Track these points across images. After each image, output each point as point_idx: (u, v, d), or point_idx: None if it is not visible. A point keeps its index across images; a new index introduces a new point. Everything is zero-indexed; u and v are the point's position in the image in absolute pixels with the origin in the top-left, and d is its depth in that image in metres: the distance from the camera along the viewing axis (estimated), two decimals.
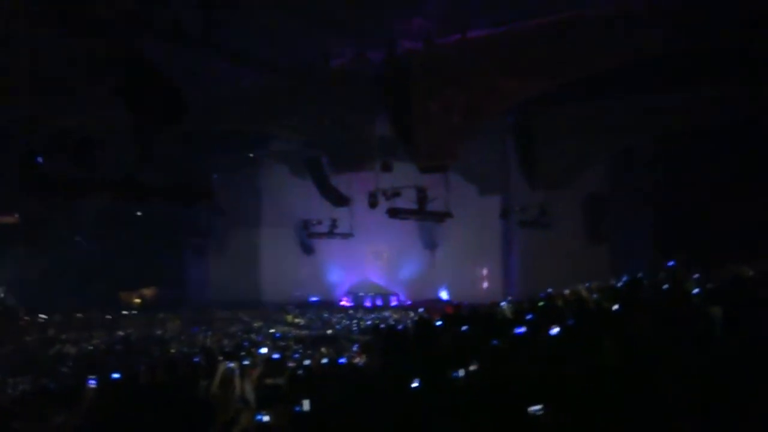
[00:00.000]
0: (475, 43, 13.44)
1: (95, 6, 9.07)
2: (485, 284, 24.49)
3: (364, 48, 14.22)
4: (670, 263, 14.52)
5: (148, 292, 28.40)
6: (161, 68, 9.32)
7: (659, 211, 19.21)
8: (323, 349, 14.34)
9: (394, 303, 26.15)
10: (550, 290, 14.98)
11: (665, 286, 11.90)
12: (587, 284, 15.56)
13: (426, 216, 18.22)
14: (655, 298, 10.63)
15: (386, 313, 22.84)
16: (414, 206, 17.67)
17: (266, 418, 5.68)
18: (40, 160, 12.06)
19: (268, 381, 7.68)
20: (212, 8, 11.18)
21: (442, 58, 14.25)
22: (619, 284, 14.35)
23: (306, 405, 5.68)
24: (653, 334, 6.78)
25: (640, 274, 13.88)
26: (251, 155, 25.92)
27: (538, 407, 4.36)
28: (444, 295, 25.30)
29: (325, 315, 23.39)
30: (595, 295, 13.75)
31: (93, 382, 7.59)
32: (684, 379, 5.12)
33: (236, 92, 15.79)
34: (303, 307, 26.73)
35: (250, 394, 7.52)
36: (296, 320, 21.80)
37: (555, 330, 5.99)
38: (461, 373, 5.81)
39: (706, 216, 16.82)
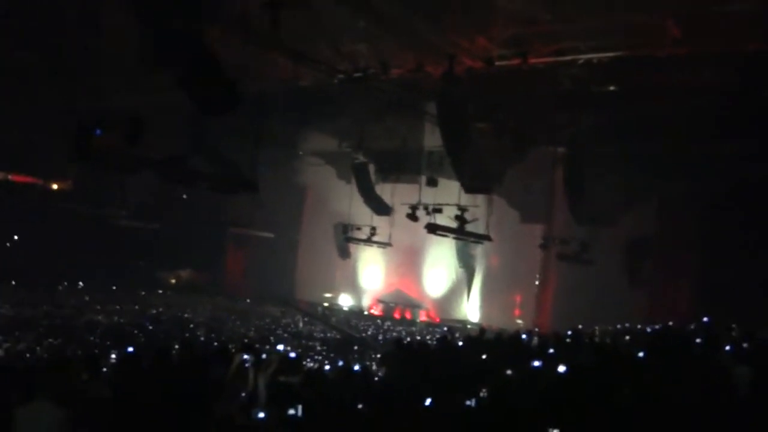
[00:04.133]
0: (534, 69, 13.33)
1: None
2: (516, 312, 24.20)
3: (424, 60, 14.23)
4: (707, 318, 14.17)
5: (184, 274, 28.95)
6: (222, 59, 9.50)
7: (703, 261, 18.74)
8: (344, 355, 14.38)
9: (422, 317, 26.04)
10: (580, 327, 14.73)
11: (698, 340, 11.60)
12: (618, 326, 15.30)
13: (465, 235, 18.11)
14: (684, 350, 10.37)
15: (413, 327, 22.79)
16: (454, 224, 17.59)
17: (261, 415, 5.72)
18: (98, 132, 12.40)
19: (282, 378, 7.73)
20: (280, 6, 11.36)
21: (500, 80, 14.18)
22: (651, 331, 14.05)
23: (299, 410, 5.69)
24: (674, 386, 6.62)
25: (671, 323, 13.58)
26: (300, 153, 26.21)
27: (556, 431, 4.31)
28: (474, 317, 25.08)
29: (353, 321, 23.47)
30: (626, 338, 13.50)
31: (114, 354, 7.82)
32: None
33: (293, 90, 15.99)
34: (332, 308, 26.88)
35: (261, 388, 7.59)
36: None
37: (562, 368, 5.88)
38: (473, 401, 5.77)
39: (752, 274, 16.33)
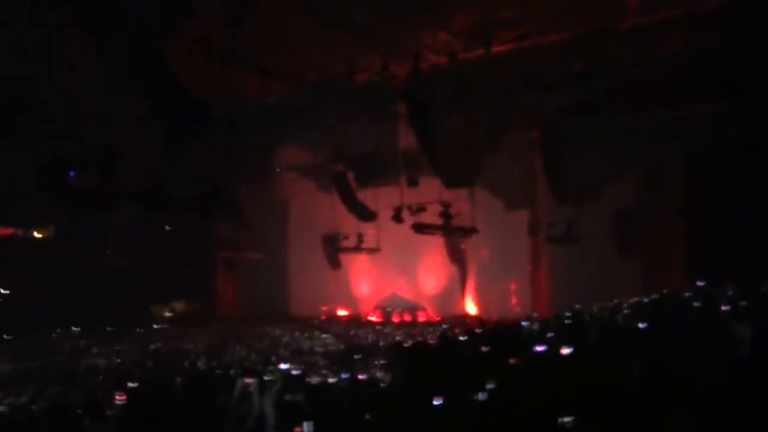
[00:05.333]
0: (498, 57, 13.39)
1: (124, 21, 9.22)
2: (513, 299, 24.22)
3: (389, 61, 14.24)
4: (701, 282, 14.23)
5: (178, 305, 28.70)
6: (188, 82, 9.45)
7: (692, 225, 18.85)
8: (347, 365, 14.28)
9: (422, 318, 25.99)
10: (578, 306, 14.76)
11: (696, 304, 11.65)
12: (615, 300, 15.33)
13: (452, 231, 18.13)
14: (683, 315, 10.42)
15: (413, 329, 22.71)
16: (439, 221, 17.60)
17: None
18: (72, 174, 12.27)
19: (288, 397, 7.66)
20: (239, 24, 11.34)
21: (466, 72, 14.22)
22: (648, 301, 14.10)
23: (309, 427, 5.63)
24: (678, 353, 6.63)
25: (667, 291, 13.63)
26: (278, 169, 26.13)
27: (569, 419, 4.28)
28: (472, 310, 25.07)
29: (352, 331, 23.35)
30: (624, 311, 13.54)
31: (120, 396, 7.71)
32: (706, 399, 4.98)
33: (263, 107, 15.95)
34: (330, 321, 26.74)
35: (269, 410, 7.51)
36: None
37: (567, 350, 5.87)
38: (481, 395, 5.73)
39: (741, 231, 16.45)
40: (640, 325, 9.11)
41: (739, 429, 4.55)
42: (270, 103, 16.10)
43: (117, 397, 7.56)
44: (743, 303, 10.71)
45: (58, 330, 22.85)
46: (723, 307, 9.99)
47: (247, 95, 15.29)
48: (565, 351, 6.16)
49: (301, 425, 5.79)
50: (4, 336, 21.28)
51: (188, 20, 10.68)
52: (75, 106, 15.12)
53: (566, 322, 11.58)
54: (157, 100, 9.47)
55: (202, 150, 15.72)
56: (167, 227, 24.58)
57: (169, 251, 25.26)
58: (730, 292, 12.79)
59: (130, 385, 9.49)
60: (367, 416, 6.38)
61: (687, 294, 13.94)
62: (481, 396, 5.62)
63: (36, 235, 24.68)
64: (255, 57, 12.99)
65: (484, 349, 8.46)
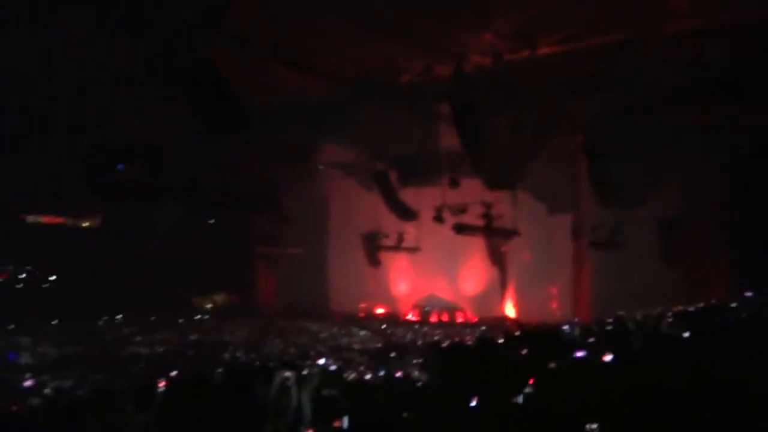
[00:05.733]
0: (544, 60, 13.23)
1: (166, 14, 9.37)
2: (554, 304, 23.98)
3: (432, 62, 14.20)
4: (749, 293, 13.88)
5: (219, 297, 29.18)
6: (229, 77, 9.56)
7: (738, 234, 18.38)
8: (384, 363, 14.33)
9: (460, 319, 25.90)
10: (621, 313, 14.53)
11: (743, 315, 11.37)
12: (660, 308, 15.03)
13: (493, 233, 18.01)
14: (730, 327, 10.17)
15: (451, 330, 22.65)
16: (481, 223, 17.50)
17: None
18: (121, 166, 12.56)
19: (325, 392, 7.72)
20: (282, 21, 11.42)
21: (511, 74, 14.10)
22: (693, 310, 13.81)
23: (346, 422, 5.66)
24: (724, 365, 6.47)
25: (713, 301, 13.32)
26: (320, 166, 26.35)
27: (594, 426, 4.24)
28: (511, 313, 24.89)
29: (390, 329, 23.40)
30: (668, 320, 13.27)
31: (161, 383, 7.88)
32: (751, 414, 4.86)
33: (304, 103, 16.06)
34: (368, 318, 26.84)
35: (306, 404, 7.59)
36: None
37: (609, 357, 5.78)
38: (520, 398, 5.70)
39: None
40: (685, 335, 8.93)
41: None
42: (312, 100, 16.19)
43: (159, 384, 7.72)
44: None
45: (104, 317, 23.46)
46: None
47: (289, 91, 15.39)
48: (607, 357, 6.07)
49: (339, 420, 5.83)
50: (51, 322, 21.95)
51: (228, 13, 10.85)
52: (119, 99, 15.47)
53: (608, 328, 11.42)
54: (200, 95, 9.62)
55: (244, 145, 15.97)
56: (210, 221, 25.04)
57: (211, 244, 25.75)
58: None
59: (171, 374, 9.73)
60: (403, 414, 6.38)
61: (734, 304, 13.61)
62: (519, 399, 5.58)
63: (84, 224, 25.44)
64: (296, 53, 13.06)
65: (522, 352, 8.39)
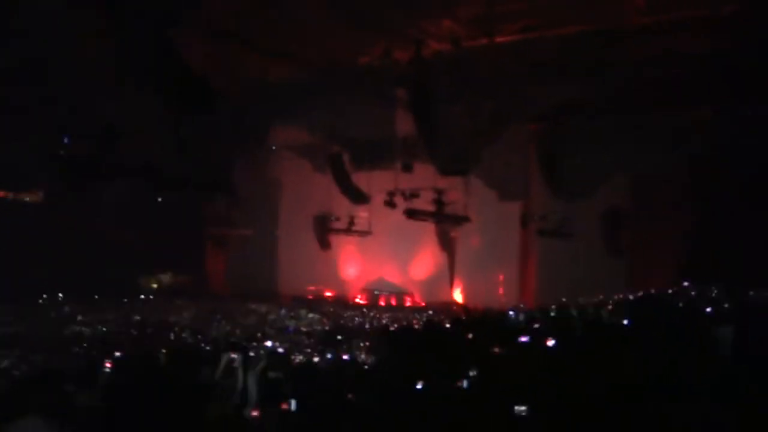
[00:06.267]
0: (502, 48, 13.37)
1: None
2: (501, 290, 24.36)
3: (392, 47, 14.21)
4: (686, 282, 14.38)
5: (165, 277, 28.71)
6: (191, 60, 9.43)
7: (680, 227, 19.00)
8: (331, 346, 14.35)
9: (408, 303, 26.12)
10: (564, 300, 14.89)
11: (680, 304, 11.79)
12: (601, 297, 15.46)
13: (444, 219, 18.18)
14: (666, 315, 10.53)
15: (399, 313, 22.83)
16: (432, 208, 17.64)
17: (254, 413, 5.71)
18: (67, 141, 12.23)
19: (271, 374, 7.72)
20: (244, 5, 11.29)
21: (469, 61, 14.21)
22: (633, 298, 14.25)
23: (293, 405, 5.69)
24: (659, 351, 6.72)
25: (652, 290, 13.77)
26: (273, 147, 26.09)
27: (523, 408, 4.37)
28: (459, 298, 25.21)
29: (339, 312, 23.45)
30: (609, 308, 13.68)
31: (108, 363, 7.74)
32: (681, 398, 5.07)
33: (263, 86, 15.90)
34: (317, 301, 26.82)
35: (252, 386, 7.57)
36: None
37: (551, 342, 5.95)
38: (464, 382, 5.80)
39: (729, 237, 16.59)
40: (624, 322, 9.23)
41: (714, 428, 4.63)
42: (270, 82, 16.03)
43: (106, 365, 7.59)
44: (726, 305, 10.87)
45: (44, 296, 22.83)
46: (707, 309, 10.14)
47: (248, 74, 15.23)
48: (550, 343, 6.24)
49: (286, 402, 5.84)
50: None
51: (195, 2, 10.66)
52: (77, 79, 15.02)
53: (552, 314, 11.71)
54: (160, 78, 9.46)
55: (200, 126, 15.68)
56: (158, 200, 24.53)
57: (159, 224, 25.23)
58: (714, 294, 12.95)
59: (115, 354, 9.57)
60: (349, 396, 6.44)
61: (670, 293, 14.11)
62: (464, 383, 5.70)
63: (25, 199, 24.57)
64: (257, 36, 12.93)
65: (468, 336, 8.54)
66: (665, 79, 14.23)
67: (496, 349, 6.68)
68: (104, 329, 17.69)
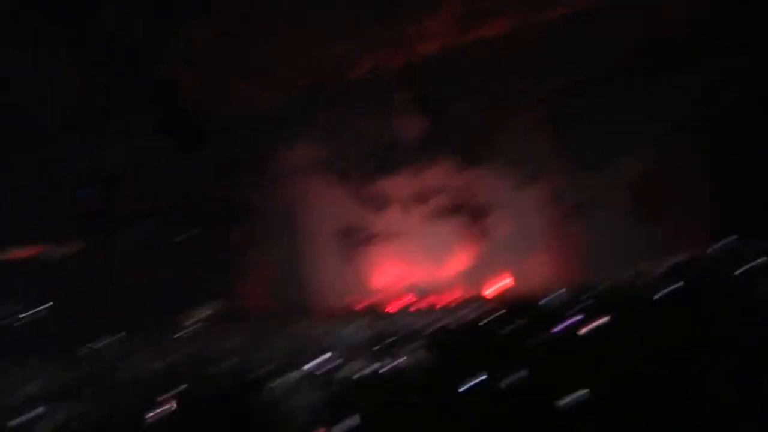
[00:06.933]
0: (490, 42, 13.30)
1: (108, 37, 9.21)
2: (536, 276, 24.12)
3: (380, 57, 14.20)
4: (718, 244, 14.14)
5: (205, 310, 28.92)
6: (182, 96, 9.47)
7: (710, 188, 18.72)
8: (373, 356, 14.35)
9: (446, 302, 25.97)
10: (598, 278, 14.71)
11: (720, 263, 11.58)
12: (635, 269, 15.26)
13: (466, 213, 18.12)
14: (708, 276, 10.39)
15: (436, 314, 22.70)
16: (454, 204, 17.61)
17: None
18: (83, 194, 12.38)
19: (316, 395, 7.74)
20: (228, 33, 11.33)
21: (462, 58, 14.15)
22: (673, 264, 14.04)
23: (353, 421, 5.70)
24: (702, 316, 6.60)
25: (687, 257, 13.54)
26: (285, 172, 26.21)
27: (568, 400, 4.31)
28: (494, 291, 25.02)
29: (377, 319, 23.43)
30: (647, 278, 13.49)
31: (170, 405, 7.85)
32: (733, 361, 4.96)
33: (257, 112, 15.99)
34: (356, 312, 26.82)
35: (300, 408, 7.60)
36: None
37: (585, 329, 5.87)
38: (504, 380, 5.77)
39: (760, 192, 16.33)
40: (665, 290, 9.08)
41: None
42: (266, 110, 16.12)
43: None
44: (765, 258, 10.66)
45: (88, 345, 23.16)
46: (747, 265, 9.95)
47: (243, 104, 15.32)
48: (587, 328, 6.17)
49: (346, 420, 5.87)
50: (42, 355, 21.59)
51: (178, 32, 10.72)
52: (73, 129, 15.19)
53: (589, 294, 11.58)
54: (154, 117, 9.52)
55: (212, 163, 15.83)
56: (176, 239, 24.74)
57: (192, 260, 25.43)
58: (746, 252, 12.69)
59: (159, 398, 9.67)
60: (395, 407, 6.43)
61: (711, 254, 13.87)
62: (504, 381, 5.66)
63: (57, 253, 24.96)
64: (246, 65, 12.99)
65: (503, 332, 8.49)
66: (666, 43, 14.04)
67: (538, 341, 6.61)
68: (155, 367, 17.86)
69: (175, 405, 8.00)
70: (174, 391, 10.29)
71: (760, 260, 10.43)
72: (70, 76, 11.82)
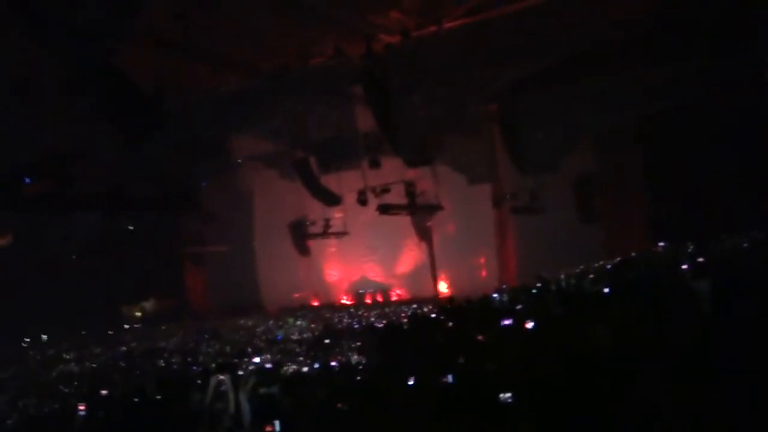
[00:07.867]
0: (451, 33, 13.39)
1: (69, 18, 8.88)
2: (483, 273, 24.44)
3: (341, 44, 14.15)
4: (662, 243, 14.55)
5: (148, 304, 28.37)
6: (139, 76, 9.23)
7: (651, 188, 19.19)
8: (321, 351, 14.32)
9: (394, 298, 26.11)
10: (544, 275, 14.96)
11: (657, 264, 11.91)
12: (581, 267, 15.59)
13: (417, 210, 18.22)
14: (645, 277, 10.65)
15: (386, 309, 22.81)
16: (404, 201, 17.67)
17: None
18: (27, 180, 11.98)
19: (262, 391, 7.65)
20: (189, 15, 11.11)
21: (421, 50, 14.21)
22: (611, 265, 14.37)
23: (277, 426, 5.65)
24: (641, 315, 6.78)
25: (632, 255, 13.90)
26: (239, 160, 25.87)
27: (508, 395, 4.38)
28: (442, 287, 25.26)
29: (326, 315, 23.38)
30: (590, 277, 13.79)
31: (82, 408, 7.59)
32: (669, 361, 5.11)
33: (217, 97, 15.73)
34: (303, 308, 26.71)
35: (244, 405, 7.50)
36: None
37: (531, 324, 5.98)
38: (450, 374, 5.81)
39: (700, 194, 16.79)
40: (605, 290, 9.30)
41: (708, 385, 4.67)
42: (225, 94, 15.86)
43: (80, 408, 7.47)
44: (701, 260, 11.01)
45: (27, 339, 22.45)
46: (683, 266, 10.24)
47: (200, 87, 15.03)
48: (530, 324, 6.27)
49: (272, 423, 5.81)
50: None
51: (135, 11, 10.41)
52: (27, 111, 14.66)
53: (533, 292, 11.77)
54: (110, 100, 9.25)
55: (160, 146, 15.43)
56: (130, 227, 24.22)
57: (134, 250, 24.89)
58: (690, 250, 13.10)
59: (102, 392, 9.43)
60: (339, 405, 6.41)
61: (647, 255, 14.26)
62: (450, 375, 5.70)
63: None
64: (206, 47, 12.76)
65: (451, 325, 8.57)
66: (616, 41, 14.35)
67: (480, 337, 6.69)
68: (93, 365, 17.40)
69: (108, 401, 7.77)
70: (109, 388, 10.08)
71: (699, 260, 10.76)
72: (22, 56, 11.38)
